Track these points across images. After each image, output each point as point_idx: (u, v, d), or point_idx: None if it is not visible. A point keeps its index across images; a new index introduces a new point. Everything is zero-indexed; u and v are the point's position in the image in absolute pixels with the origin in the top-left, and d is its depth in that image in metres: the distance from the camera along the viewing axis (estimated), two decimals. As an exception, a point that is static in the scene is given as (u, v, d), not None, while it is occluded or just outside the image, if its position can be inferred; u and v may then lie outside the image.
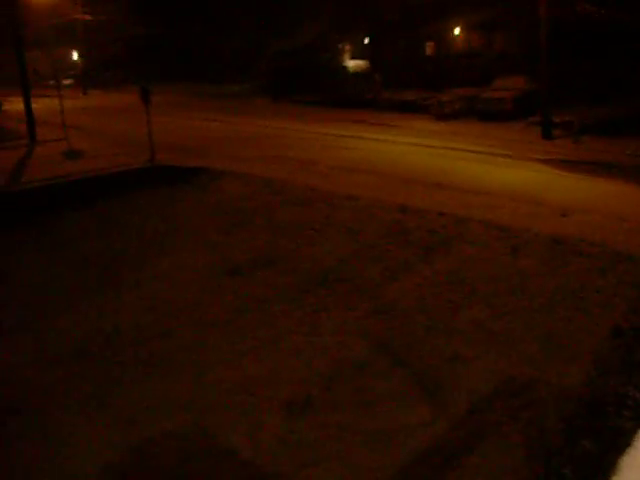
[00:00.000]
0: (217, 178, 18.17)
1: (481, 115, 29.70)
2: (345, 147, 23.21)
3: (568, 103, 26.28)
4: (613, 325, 9.15)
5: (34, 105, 26.27)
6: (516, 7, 32.32)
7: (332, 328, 9.53)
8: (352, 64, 41.56)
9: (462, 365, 8.35)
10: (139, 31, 56.76)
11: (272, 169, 18.84)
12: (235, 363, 8.68)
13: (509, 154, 21.39)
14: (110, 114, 34.79)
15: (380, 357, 8.66)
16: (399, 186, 16.85)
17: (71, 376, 8.50)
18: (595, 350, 8.53)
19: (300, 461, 6.62)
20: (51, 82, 34.46)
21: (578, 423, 7.03)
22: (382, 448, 6.78)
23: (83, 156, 21.94)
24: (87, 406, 7.81)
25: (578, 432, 6.86)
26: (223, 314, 10.16)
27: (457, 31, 38.73)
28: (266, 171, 18.49)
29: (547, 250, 11.92)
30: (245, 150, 22.27)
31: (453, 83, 33.39)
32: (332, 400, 7.71)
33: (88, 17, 52.57)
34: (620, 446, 6.60)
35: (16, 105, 30.74)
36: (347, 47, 43.79)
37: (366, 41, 43.31)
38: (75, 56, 57.78)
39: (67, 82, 53.39)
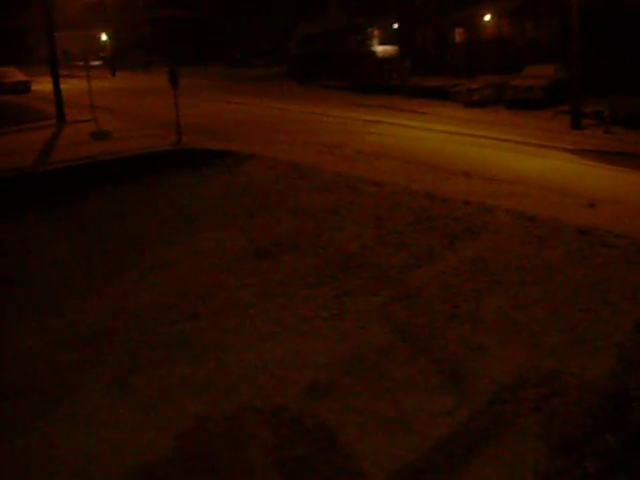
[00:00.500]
0: (243, 161, 18.19)
1: (510, 103, 29.40)
2: (372, 132, 23.10)
3: (599, 92, 25.93)
4: (638, 318, 9.06)
5: (63, 86, 26.41)
6: (548, -7, 31.92)
7: (355, 313, 9.54)
8: (381, 49, 41.38)
9: (485, 354, 8.32)
10: (168, 13, 56.90)
11: (298, 153, 18.81)
12: (258, 346, 8.73)
13: (537, 143, 21.16)
14: (138, 95, 34.92)
15: (402, 344, 8.66)
16: (425, 173, 16.75)
17: (95, 356, 8.61)
18: (619, 343, 8.45)
19: (321, 445, 6.65)
20: (80, 63, 34.62)
21: (601, 416, 6.98)
22: (402, 435, 6.79)
23: (111, 137, 22.07)
24: (111, 387, 7.90)
25: (601, 425, 6.81)
26: (247, 297, 10.21)
27: (487, 18, 38.28)
28: (292, 155, 18.47)
29: (573, 241, 11.79)
30: (271, 133, 22.26)
31: (482, 70, 33.08)
32: (353, 385, 7.74)
33: (117, -2, 52.77)
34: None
35: (45, 85, 30.93)
36: (376, 32, 43.50)
37: (395, 26, 42.98)
38: (104, 37, 58.01)
39: (96, 63, 53.65)
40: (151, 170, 17.36)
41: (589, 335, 8.68)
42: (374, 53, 41.64)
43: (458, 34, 40.59)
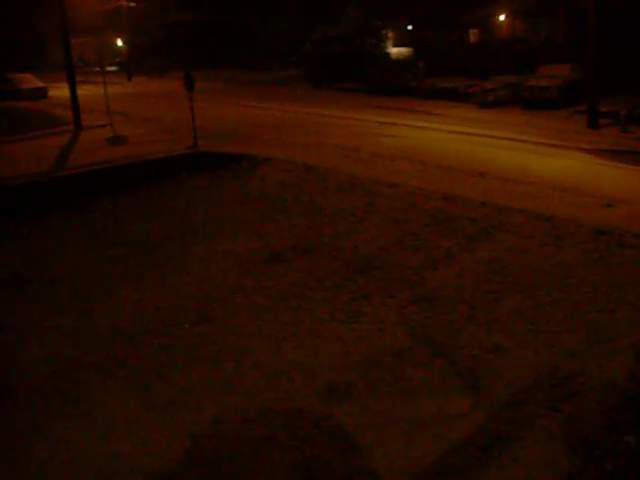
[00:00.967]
0: (259, 164, 18.26)
1: (525, 103, 29.28)
2: (387, 134, 23.10)
3: (615, 92, 25.77)
4: (658, 318, 9.00)
5: (79, 91, 26.59)
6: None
7: (372, 316, 9.54)
8: (395, 51, 41.32)
9: (502, 356, 8.30)
10: (183, 17, 57.13)
11: (313, 156, 18.84)
12: (275, 349, 8.75)
13: (554, 143, 21.06)
14: (154, 100, 35.09)
15: (420, 346, 8.65)
16: (441, 174, 16.74)
17: (113, 359, 8.64)
18: (638, 344, 8.40)
19: (338, 447, 6.66)
20: (96, 69, 34.83)
21: (620, 417, 6.94)
22: (420, 437, 6.78)
23: (127, 142, 22.20)
24: (128, 389, 7.94)
25: (620, 426, 6.77)
26: (264, 300, 10.23)
27: (502, 18, 38.18)
28: (307, 158, 18.50)
29: (591, 241, 11.75)
30: (286, 137, 22.30)
31: (497, 71, 32.91)
32: (371, 388, 7.74)
33: (132, 4, 53.01)
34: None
35: (62, 91, 31.14)
36: (390, 34, 43.43)
37: (409, 28, 42.93)
38: (120, 43, 58.34)
39: (112, 69, 53.98)
40: (167, 174, 17.47)
41: (607, 335, 8.64)
42: (389, 55, 41.57)
43: (473, 34, 40.49)
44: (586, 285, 10.08)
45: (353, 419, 7.11)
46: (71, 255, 12.61)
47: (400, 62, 38.85)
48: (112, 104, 26.92)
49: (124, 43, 56.36)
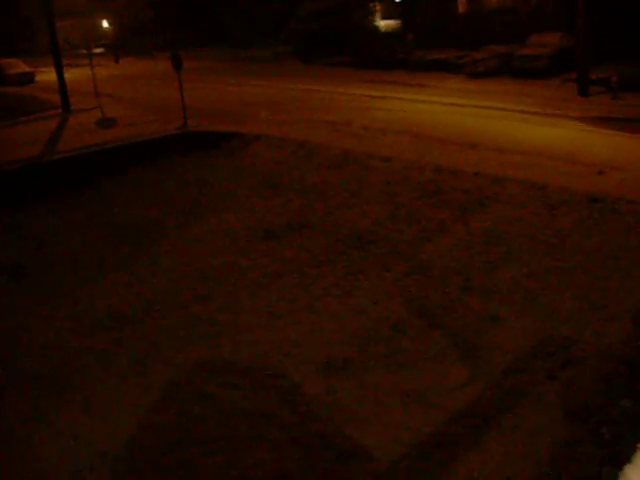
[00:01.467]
0: (250, 142, 18.17)
1: (516, 73, 29.11)
2: (378, 108, 22.98)
3: (605, 59, 25.64)
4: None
5: (67, 75, 26.35)
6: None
7: (368, 290, 9.56)
8: (383, 24, 40.98)
9: (499, 325, 8.33)
10: (169, -5, 56.52)
11: (305, 132, 18.75)
12: (272, 325, 8.78)
13: (545, 112, 20.98)
14: (142, 81, 34.80)
15: (416, 318, 8.67)
16: (433, 146, 16.68)
17: (110, 342, 8.65)
18: (634, 309, 8.43)
19: (338, 421, 6.70)
20: (83, 51, 34.50)
21: (617, 383, 6.98)
22: (419, 408, 6.82)
23: (117, 124, 22.05)
24: (127, 372, 7.95)
25: (617, 392, 6.81)
26: (259, 277, 10.24)
27: (490, -13, 37.86)
28: (299, 134, 18.41)
29: (584, 209, 11.75)
30: (277, 114, 22.18)
31: (487, 41, 32.66)
32: (369, 361, 7.77)
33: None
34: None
35: (49, 75, 30.88)
36: (378, 7, 43.05)
37: (397, 0, 42.54)
38: (106, 24, 57.77)
39: (99, 51, 53.49)
40: (158, 155, 17.37)
41: (603, 302, 8.67)
42: (377, 28, 41.24)
43: (461, 4, 40.12)
44: (580, 253, 10.10)
45: (351, 393, 7.15)
46: (65, 240, 12.56)
47: (389, 35, 38.55)
48: (100, 86, 26.73)
49: (110, 24, 55.82)
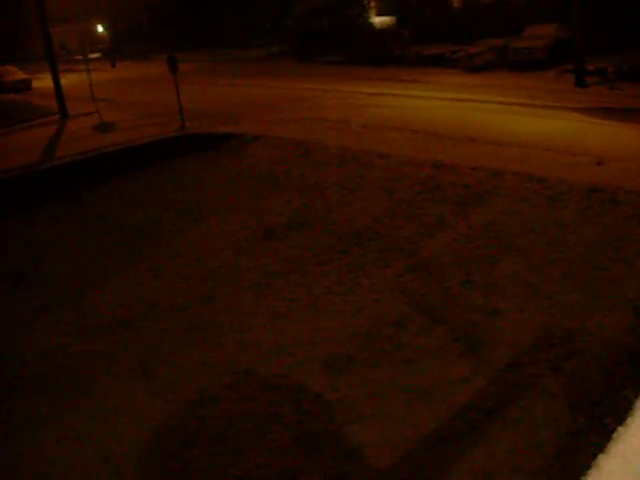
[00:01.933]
0: (248, 143, 18.16)
1: (512, 66, 29.11)
2: (375, 105, 22.97)
3: (602, 49, 25.61)
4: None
5: (63, 80, 26.34)
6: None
7: (369, 287, 9.57)
8: (378, 20, 40.92)
9: (501, 319, 8.33)
10: (162, -1, 56.55)
11: (303, 131, 18.74)
12: (274, 325, 8.79)
13: (542, 104, 20.97)
14: (139, 85, 34.80)
15: (418, 314, 8.68)
16: (431, 142, 16.66)
17: (113, 346, 8.67)
18: (636, 299, 8.43)
19: (342, 419, 6.70)
20: (79, 56, 34.50)
21: (620, 373, 6.99)
22: (422, 404, 6.83)
23: (115, 128, 22.04)
24: (131, 375, 7.96)
25: (620, 382, 6.82)
26: (260, 277, 10.25)
27: (484, -20, 37.81)
28: (297, 133, 18.41)
29: (583, 200, 11.73)
30: (274, 113, 22.16)
31: (482, 34, 32.67)
32: (371, 358, 7.78)
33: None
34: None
35: (46, 82, 30.83)
36: (373, 3, 43.02)
37: (392, -4, 42.54)
38: (101, 29, 57.76)
39: (95, 56, 53.49)
40: (156, 159, 17.37)
41: (605, 293, 8.67)
42: (373, 25, 41.21)
43: (456, -1, 40.13)
44: (581, 244, 10.09)
45: (355, 390, 7.15)
46: (66, 246, 12.57)
47: (384, 31, 38.52)
48: (97, 91, 26.72)
49: (105, 29, 55.82)
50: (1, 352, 8.91)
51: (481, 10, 36.76)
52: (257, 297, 9.61)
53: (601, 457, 2.57)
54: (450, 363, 7.52)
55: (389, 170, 14.51)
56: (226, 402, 7.20)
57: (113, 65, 49.53)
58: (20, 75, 38.94)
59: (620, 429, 2.50)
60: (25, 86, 37.70)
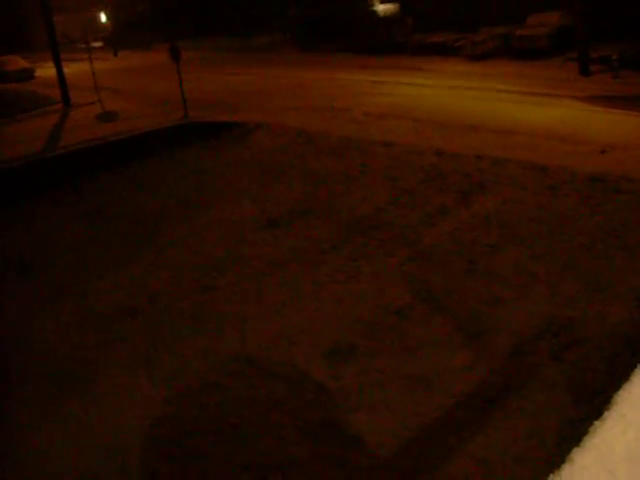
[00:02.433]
0: (251, 131, 18.17)
1: (516, 54, 28.99)
2: (378, 93, 22.93)
3: (606, 37, 25.49)
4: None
5: (66, 70, 26.37)
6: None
7: (371, 275, 9.57)
8: (381, 8, 40.76)
9: (503, 308, 8.34)
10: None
11: (305, 119, 18.74)
12: (277, 314, 8.79)
13: (546, 92, 20.90)
14: (141, 74, 34.79)
15: (420, 303, 8.68)
16: (434, 130, 16.65)
17: (117, 336, 8.69)
18: (638, 288, 8.43)
19: (344, 407, 6.73)
20: (82, 45, 34.43)
21: (622, 362, 6.99)
22: (424, 393, 6.84)
23: (117, 118, 22.05)
24: (134, 365, 7.99)
25: (622, 371, 6.82)
26: (263, 266, 10.25)
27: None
28: (299, 122, 18.40)
29: (586, 188, 11.72)
30: (277, 102, 22.15)
31: (486, 22, 32.56)
32: (374, 347, 7.79)
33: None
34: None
35: (48, 71, 30.92)
36: (376, -9, 42.85)
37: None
38: (103, 18, 57.65)
39: (97, 44, 53.48)
40: (159, 147, 17.39)
41: (606, 282, 8.67)
42: (376, 12, 41.05)
43: (459, -14, 39.89)
44: (583, 233, 10.08)
45: (357, 379, 7.17)
46: (69, 235, 12.59)
47: (387, 19, 38.38)
48: (100, 80, 26.70)
49: (108, 18, 55.70)
50: (6, 341, 8.95)
51: (484, -3, 36.56)
52: (260, 286, 9.62)
53: (575, 451, 2.56)
54: (452, 352, 7.52)
55: (392, 158, 14.51)
56: (228, 390, 7.22)
57: (115, 54, 49.51)
58: (23, 64, 38.94)
59: (596, 423, 2.48)
60: (28, 75, 37.72)
